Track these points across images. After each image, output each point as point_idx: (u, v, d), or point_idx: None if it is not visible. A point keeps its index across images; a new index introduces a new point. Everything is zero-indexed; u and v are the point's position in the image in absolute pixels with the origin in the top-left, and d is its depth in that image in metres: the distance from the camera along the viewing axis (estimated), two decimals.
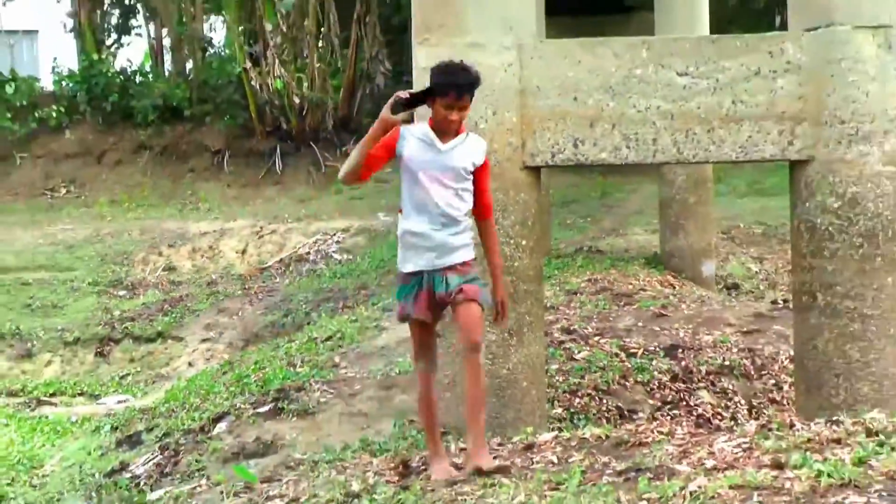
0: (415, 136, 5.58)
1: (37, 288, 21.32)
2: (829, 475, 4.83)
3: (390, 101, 5.40)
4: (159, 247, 22.94)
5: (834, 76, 7.28)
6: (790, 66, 7.31)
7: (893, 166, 7.29)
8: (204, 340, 18.88)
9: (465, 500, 5.41)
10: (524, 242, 7.55)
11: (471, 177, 5.60)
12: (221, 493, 7.05)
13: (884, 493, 4.57)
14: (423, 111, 5.92)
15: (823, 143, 7.30)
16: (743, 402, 8.86)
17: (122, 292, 21.34)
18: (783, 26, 7.40)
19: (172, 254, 22.72)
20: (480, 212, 5.75)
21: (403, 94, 5.44)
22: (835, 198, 7.26)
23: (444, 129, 5.52)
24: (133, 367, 18.50)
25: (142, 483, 8.90)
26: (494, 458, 5.83)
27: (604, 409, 8.68)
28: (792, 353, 8.30)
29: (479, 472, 5.42)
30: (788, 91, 7.28)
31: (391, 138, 5.52)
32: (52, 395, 17.33)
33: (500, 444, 6.68)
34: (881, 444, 5.23)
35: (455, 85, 5.41)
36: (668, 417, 8.27)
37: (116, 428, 12.21)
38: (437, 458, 5.86)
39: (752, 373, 9.47)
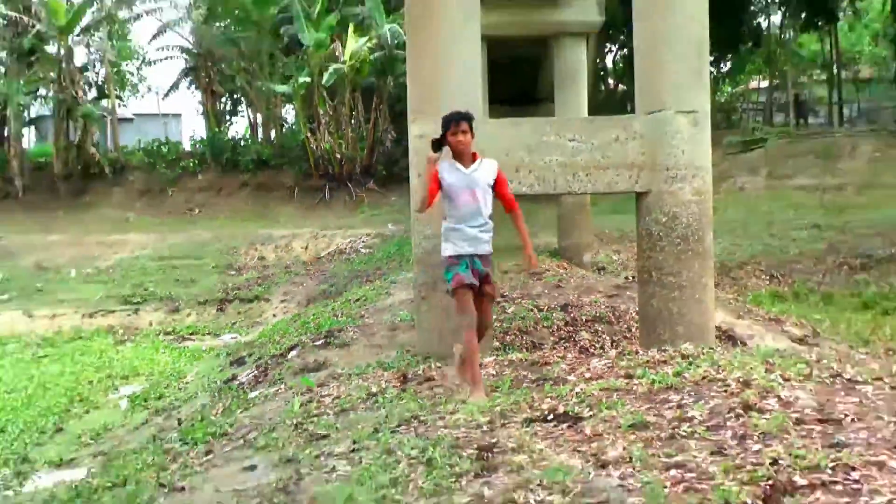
0: (447, 168, 5.18)
1: (181, 269, 21.29)
2: (658, 382, 4.84)
3: (430, 145, 5.29)
4: (255, 245, 22.92)
5: (663, 141, 7.30)
6: (636, 135, 7.32)
7: (697, 196, 7.31)
8: (283, 301, 18.89)
9: (440, 398, 5.39)
10: None
11: (490, 189, 5.19)
12: (293, 393, 7.03)
13: (692, 393, 4.58)
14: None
15: (656, 182, 7.32)
16: (608, 338, 8.82)
17: (232, 272, 21.33)
18: (633, 110, 7.40)
19: (263, 249, 22.69)
20: (507, 206, 5.35)
21: (434, 137, 5.27)
22: (662, 215, 7.29)
23: (460, 153, 5.17)
24: (239, 317, 18.50)
25: (245, 387, 8.87)
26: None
27: (524, 342, 8.63)
28: (637, 309, 8.30)
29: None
30: (636, 151, 7.30)
31: (436, 176, 5.20)
32: (191, 334, 17.40)
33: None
34: (690, 364, 5.24)
35: (453, 119, 5.20)
36: (563, 348, 8.24)
37: (230, 354, 12.20)
38: (477, 384, 5.17)
39: (614, 321, 9.43)
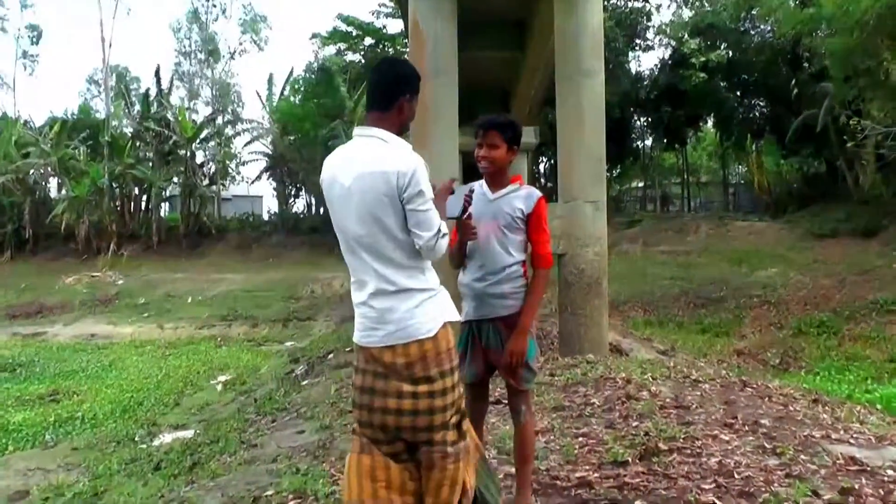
0: (476, 193, 2.47)
1: (260, 298, 20.88)
2: (571, 379, 4.82)
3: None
4: (308, 283, 22.50)
5: (575, 220, 7.36)
6: (559, 216, 7.35)
7: (597, 257, 7.35)
8: (325, 321, 18.55)
9: None
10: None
11: (522, 225, 2.46)
12: (330, 382, 6.92)
13: (593, 386, 4.56)
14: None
15: (571, 247, 7.35)
16: (541, 350, 8.78)
17: (293, 301, 20.93)
18: (556, 200, 7.40)
19: (313, 286, 22.22)
20: (532, 261, 2.52)
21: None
22: (575, 269, 7.31)
23: (484, 171, 2.55)
24: (297, 331, 18.08)
25: (298, 377, 8.73)
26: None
27: None
28: (557, 330, 8.26)
29: None
30: (558, 226, 7.28)
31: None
32: (265, 341, 16.93)
33: None
34: (592, 367, 5.24)
35: (477, 125, 2.49)
36: None
37: (290, 355, 11.98)
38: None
39: (542, 337, 9.38)
